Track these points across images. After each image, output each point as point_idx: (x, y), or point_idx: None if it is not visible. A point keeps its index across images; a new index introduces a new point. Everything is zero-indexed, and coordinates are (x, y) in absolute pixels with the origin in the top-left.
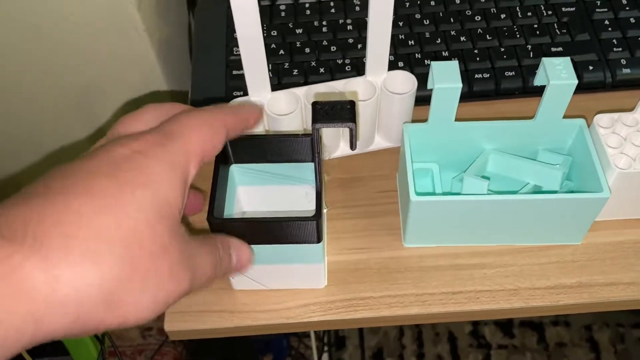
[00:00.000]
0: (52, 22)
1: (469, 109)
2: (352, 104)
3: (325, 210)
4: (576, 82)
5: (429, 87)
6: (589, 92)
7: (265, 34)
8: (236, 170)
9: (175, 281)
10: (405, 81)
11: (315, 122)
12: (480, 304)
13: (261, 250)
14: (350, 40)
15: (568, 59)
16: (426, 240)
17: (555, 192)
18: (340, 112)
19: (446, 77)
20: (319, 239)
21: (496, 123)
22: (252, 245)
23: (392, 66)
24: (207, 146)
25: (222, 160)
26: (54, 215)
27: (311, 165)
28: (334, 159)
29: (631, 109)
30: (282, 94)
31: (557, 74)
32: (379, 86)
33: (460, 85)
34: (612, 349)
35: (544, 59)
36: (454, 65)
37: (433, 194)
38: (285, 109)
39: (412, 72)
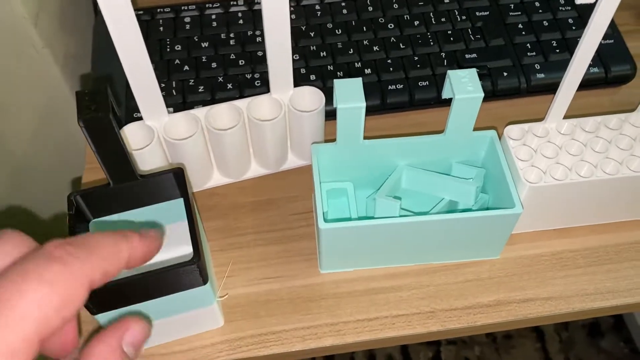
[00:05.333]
0: None
1: (384, 122)
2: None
3: (205, 246)
4: (482, 95)
5: (334, 105)
6: (505, 98)
7: (168, 49)
8: (97, 227)
9: None
10: (313, 97)
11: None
12: (395, 330)
13: (149, 306)
14: (260, 53)
15: (474, 70)
16: (342, 265)
17: (469, 208)
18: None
19: (349, 95)
20: (204, 281)
21: (405, 139)
22: (138, 305)
23: (304, 79)
24: (46, 322)
25: (78, 219)
26: None
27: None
28: (246, 180)
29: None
30: (180, 116)
31: (463, 87)
32: (285, 104)
33: (363, 104)
34: (557, 337)
35: (450, 72)
36: (357, 83)
37: (348, 218)
38: (184, 133)
39: (324, 85)
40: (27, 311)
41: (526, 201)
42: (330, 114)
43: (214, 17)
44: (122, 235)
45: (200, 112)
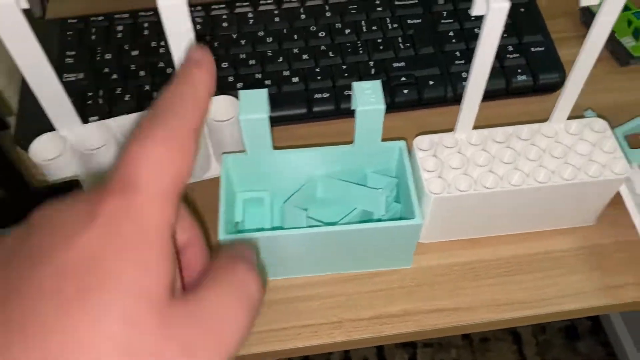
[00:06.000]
0: None
1: (310, 130)
2: None
3: None
4: (383, 107)
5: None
6: (432, 106)
7: (99, 57)
8: None
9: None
10: (229, 106)
11: None
12: (301, 341)
13: None
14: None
15: (378, 82)
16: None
17: (379, 217)
18: None
19: (253, 107)
20: None
21: (316, 150)
22: None
23: (231, 87)
24: (178, 171)
25: None
26: None
27: None
28: None
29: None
30: (93, 126)
31: (366, 99)
32: None
33: (266, 115)
34: (534, 340)
35: (354, 84)
36: (262, 94)
37: (262, 228)
38: (96, 143)
39: None
40: (156, 166)
41: (432, 212)
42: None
43: (146, 25)
44: (187, 78)
45: (113, 122)
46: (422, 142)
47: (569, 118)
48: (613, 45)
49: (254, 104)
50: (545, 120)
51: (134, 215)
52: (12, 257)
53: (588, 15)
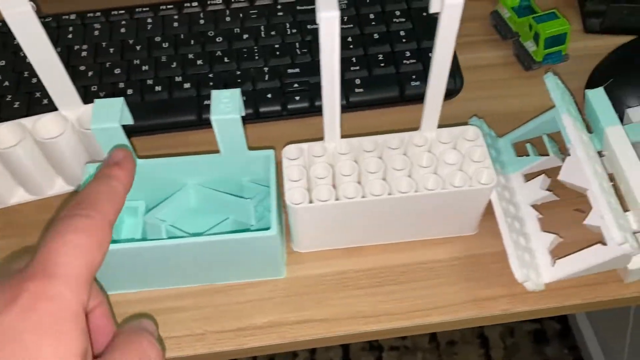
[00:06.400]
0: None
1: (202, 137)
2: None
3: None
4: (237, 116)
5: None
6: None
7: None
8: None
9: None
10: (59, 122)
11: None
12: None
13: None
14: (137, 62)
15: (237, 91)
16: (123, 287)
17: (249, 227)
18: None
19: (105, 116)
20: None
21: (182, 159)
22: None
23: (122, 93)
24: (92, 259)
25: None
26: None
27: None
28: (53, 197)
29: (368, 133)
30: (5, 126)
31: (221, 108)
32: (71, 121)
33: (118, 124)
34: (501, 344)
35: (213, 92)
36: (117, 103)
37: (132, 239)
38: (9, 142)
39: (142, 99)
40: (73, 254)
41: (296, 222)
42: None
43: (123, 22)
44: (107, 177)
45: (27, 121)
46: (290, 151)
47: (456, 125)
48: (518, 49)
49: (107, 113)
50: (444, 126)
51: (52, 297)
52: None
53: (498, 19)
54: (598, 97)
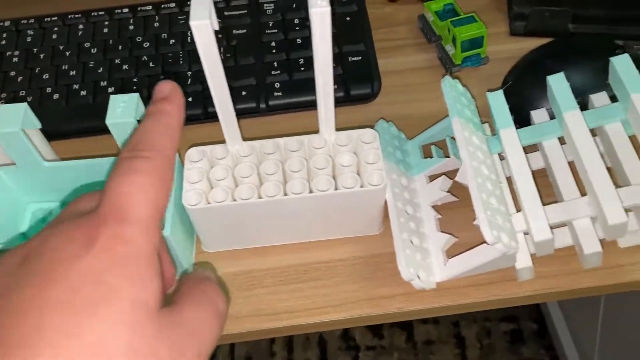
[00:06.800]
0: None
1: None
2: None
3: None
4: (131, 120)
5: None
6: (245, 117)
7: None
8: None
9: None
10: None
11: None
12: None
13: None
14: (64, 66)
15: (136, 95)
16: None
17: None
18: None
19: (7, 121)
20: None
21: (84, 162)
22: None
23: (48, 98)
24: (159, 200)
25: None
26: None
27: None
28: None
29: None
30: None
31: (117, 112)
32: None
33: (18, 129)
34: (477, 344)
35: (111, 97)
36: (20, 108)
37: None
38: None
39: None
40: (141, 196)
41: (195, 223)
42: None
43: (55, 29)
44: (159, 113)
45: None
46: (192, 154)
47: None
48: (440, 52)
49: (9, 118)
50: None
51: (127, 241)
52: (14, 281)
53: (424, 22)
54: (497, 100)
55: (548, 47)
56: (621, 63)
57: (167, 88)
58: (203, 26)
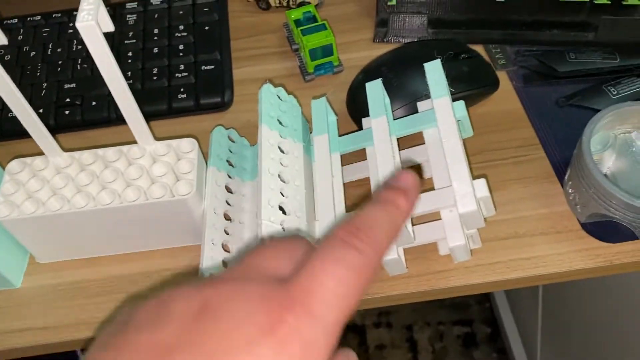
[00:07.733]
0: None
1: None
2: None
3: None
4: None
5: None
6: (97, 127)
7: None
8: None
9: None
10: None
11: None
12: None
13: None
14: None
15: None
16: None
17: None
18: None
19: None
20: None
21: None
22: None
23: None
24: (352, 304)
25: None
26: None
27: None
28: None
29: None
30: None
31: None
32: None
33: None
34: (430, 348)
35: None
36: None
37: None
38: None
39: None
40: (338, 295)
41: (14, 234)
42: None
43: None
44: (392, 204)
45: None
46: (13, 166)
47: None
48: (299, 60)
49: None
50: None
51: (307, 341)
52: (188, 340)
53: (288, 31)
54: (319, 106)
55: (388, 55)
56: (431, 69)
57: (409, 181)
58: (86, 27)
